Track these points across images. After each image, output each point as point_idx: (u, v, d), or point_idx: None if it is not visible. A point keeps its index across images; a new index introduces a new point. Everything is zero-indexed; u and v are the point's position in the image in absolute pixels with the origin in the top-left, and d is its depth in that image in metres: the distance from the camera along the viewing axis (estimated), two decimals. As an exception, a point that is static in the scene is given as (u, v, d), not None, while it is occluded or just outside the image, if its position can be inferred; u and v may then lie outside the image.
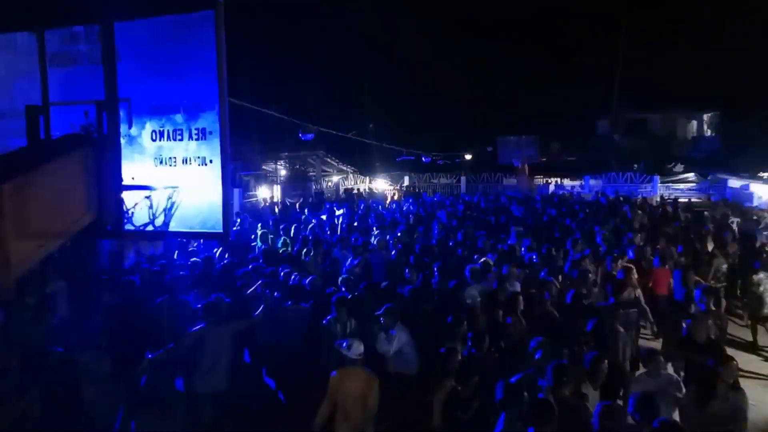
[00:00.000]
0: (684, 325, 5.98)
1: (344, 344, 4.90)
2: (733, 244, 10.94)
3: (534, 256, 9.29)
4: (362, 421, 4.73)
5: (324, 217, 14.88)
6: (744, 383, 6.99)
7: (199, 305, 5.89)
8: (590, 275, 7.83)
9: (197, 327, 5.64)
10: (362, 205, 18.76)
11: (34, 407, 4.89)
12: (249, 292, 6.73)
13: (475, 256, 9.01)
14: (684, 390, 5.02)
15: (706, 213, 16.30)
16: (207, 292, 6.73)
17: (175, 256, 9.58)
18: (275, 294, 6.60)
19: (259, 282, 6.78)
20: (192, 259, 8.60)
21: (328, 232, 12.21)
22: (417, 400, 5.15)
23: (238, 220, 13.58)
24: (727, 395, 4.65)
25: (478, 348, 5.35)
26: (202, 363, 5.55)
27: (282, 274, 7.53)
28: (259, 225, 12.81)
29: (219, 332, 5.60)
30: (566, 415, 4.24)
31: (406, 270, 7.87)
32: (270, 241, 10.88)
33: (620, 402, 4.85)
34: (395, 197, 24.65)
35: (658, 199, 22.59)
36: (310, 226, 12.69)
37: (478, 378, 4.60)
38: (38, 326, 5.77)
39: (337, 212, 15.85)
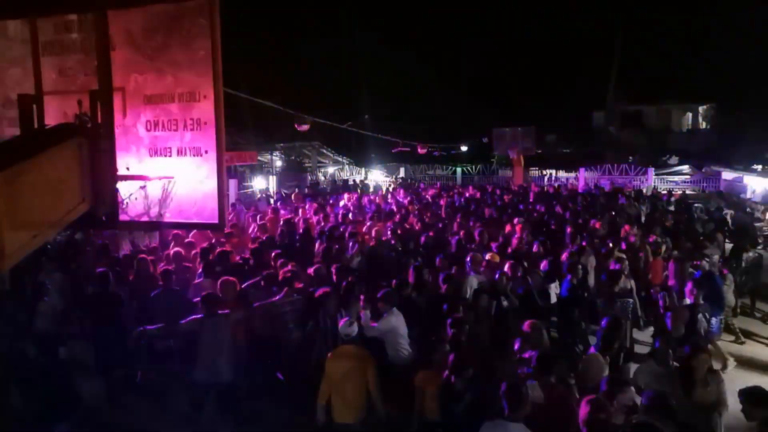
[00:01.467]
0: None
1: (344, 323, 5.05)
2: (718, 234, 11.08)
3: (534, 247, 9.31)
4: (358, 401, 4.83)
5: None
6: (739, 371, 7.19)
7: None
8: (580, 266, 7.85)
9: (195, 317, 5.65)
10: (355, 196, 18.77)
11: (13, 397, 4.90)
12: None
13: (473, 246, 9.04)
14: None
15: (697, 204, 16.41)
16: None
17: (171, 247, 9.55)
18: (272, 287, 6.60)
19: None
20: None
21: (322, 224, 12.20)
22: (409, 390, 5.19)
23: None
24: (706, 380, 4.76)
25: (469, 338, 5.38)
26: (202, 353, 5.57)
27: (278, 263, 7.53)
28: (258, 216, 12.78)
29: (217, 322, 5.60)
30: (555, 402, 4.29)
31: (402, 260, 7.88)
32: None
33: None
34: (391, 188, 24.64)
35: (652, 191, 22.69)
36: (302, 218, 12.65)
37: (473, 371, 4.62)
38: (29, 316, 5.77)
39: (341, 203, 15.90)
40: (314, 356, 5.68)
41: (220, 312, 5.67)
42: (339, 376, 4.86)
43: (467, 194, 18.97)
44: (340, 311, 5.85)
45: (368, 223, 11.74)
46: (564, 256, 8.21)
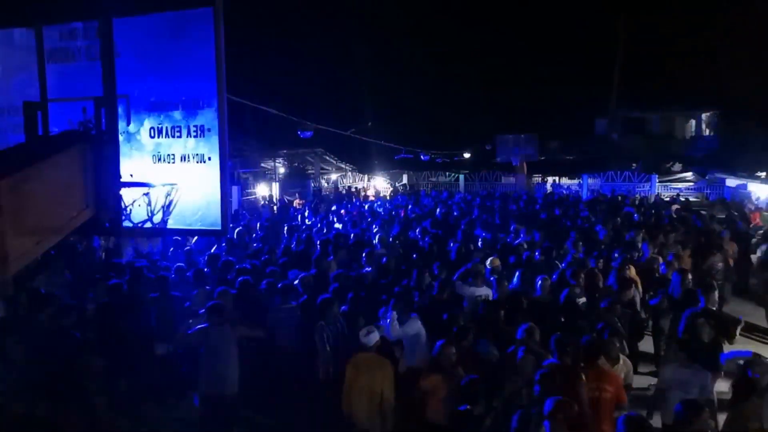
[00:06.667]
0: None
1: (362, 332, 5.03)
2: (731, 243, 10.96)
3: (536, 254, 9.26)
4: (375, 406, 4.85)
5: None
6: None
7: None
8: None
9: (199, 327, 5.54)
10: (357, 203, 18.78)
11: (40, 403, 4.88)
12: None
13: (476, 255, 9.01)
14: (709, 383, 5.06)
15: (703, 212, 16.34)
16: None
17: (170, 253, 9.55)
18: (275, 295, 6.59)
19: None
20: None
21: (324, 231, 12.18)
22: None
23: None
24: (763, 394, 4.63)
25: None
26: (208, 364, 5.45)
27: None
28: (258, 224, 12.79)
29: (223, 332, 5.49)
30: None
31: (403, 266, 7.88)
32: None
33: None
34: (394, 195, 24.68)
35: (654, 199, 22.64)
36: (315, 229, 12.59)
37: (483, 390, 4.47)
38: (41, 315, 5.74)
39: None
40: (321, 364, 5.66)
41: (225, 322, 5.54)
42: (359, 387, 4.87)
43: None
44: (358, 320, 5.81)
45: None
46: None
